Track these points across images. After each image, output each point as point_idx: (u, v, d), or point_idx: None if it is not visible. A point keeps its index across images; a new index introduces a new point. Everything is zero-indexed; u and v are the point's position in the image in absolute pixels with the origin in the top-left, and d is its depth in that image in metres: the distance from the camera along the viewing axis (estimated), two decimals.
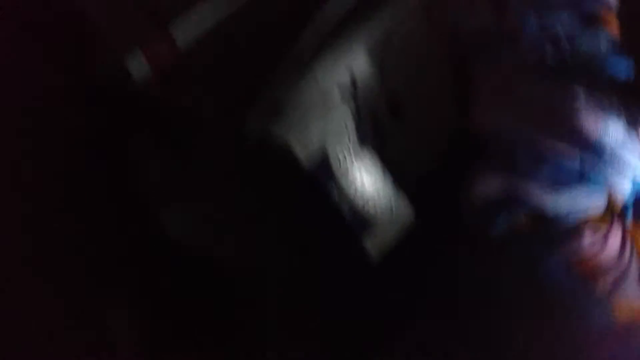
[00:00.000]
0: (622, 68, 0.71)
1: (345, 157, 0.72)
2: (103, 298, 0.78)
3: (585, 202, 0.69)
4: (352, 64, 0.70)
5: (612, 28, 0.74)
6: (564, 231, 0.69)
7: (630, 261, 0.68)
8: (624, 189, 0.68)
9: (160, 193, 0.77)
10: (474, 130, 0.74)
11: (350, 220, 0.72)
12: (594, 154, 0.67)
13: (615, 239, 0.69)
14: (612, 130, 0.67)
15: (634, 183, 0.69)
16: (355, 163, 0.73)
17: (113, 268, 0.80)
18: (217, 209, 0.75)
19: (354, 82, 0.71)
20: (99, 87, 0.74)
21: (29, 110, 0.74)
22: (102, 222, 0.80)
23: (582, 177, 0.68)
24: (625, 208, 0.69)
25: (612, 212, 0.69)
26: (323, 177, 0.70)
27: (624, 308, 0.68)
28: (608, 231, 0.69)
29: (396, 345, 0.73)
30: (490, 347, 0.70)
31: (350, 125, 0.71)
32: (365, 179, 0.73)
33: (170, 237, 0.78)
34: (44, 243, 0.75)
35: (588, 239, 0.68)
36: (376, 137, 0.74)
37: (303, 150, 0.68)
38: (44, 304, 0.74)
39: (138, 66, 0.68)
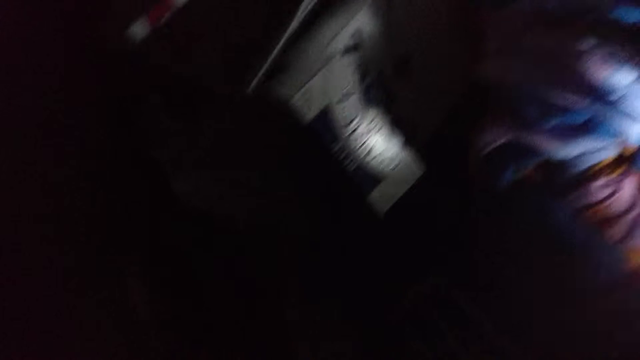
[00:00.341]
0: (631, 14, 0.69)
1: (350, 114, 0.71)
2: (123, 268, 0.79)
3: (595, 150, 0.68)
4: (355, 20, 0.70)
5: None
6: (574, 179, 0.68)
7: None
8: (634, 135, 0.67)
9: (172, 159, 0.78)
10: (483, 82, 0.73)
11: (356, 176, 0.72)
12: (604, 101, 0.66)
13: (627, 185, 0.68)
14: (621, 77, 0.66)
15: None
16: (360, 120, 0.72)
17: (133, 238, 0.81)
18: (225, 171, 0.76)
19: (357, 38, 0.71)
20: (107, 55, 0.75)
21: (41, 78, 0.75)
22: (123, 190, 0.81)
23: (591, 127, 0.67)
24: (636, 154, 0.68)
25: (624, 158, 0.68)
26: (328, 133, 0.70)
27: (636, 255, 0.67)
28: (620, 178, 0.68)
29: (408, 298, 0.73)
30: (500, 297, 0.70)
31: (355, 82, 0.71)
32: (370, 136, 0.73)
33: (186, 204, 0.79)
34: (65, 212, 0.77)
35: (598, 186, 0.67)
36: (382, 94, 0.73)
37: (306, 106, 0.68)
38: (63, 271, 0.75)
39: (142, 30, 0.68)
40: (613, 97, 0.66)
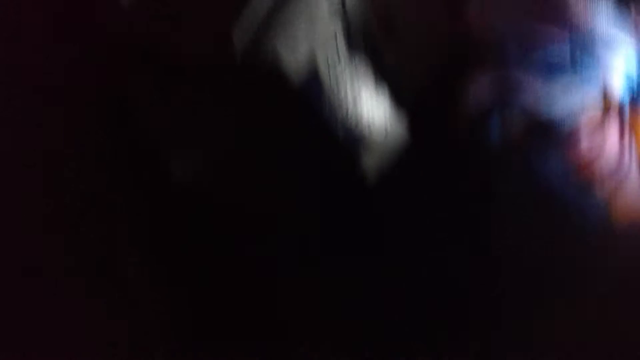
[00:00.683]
0: None
1: (336, 74, 0.71)
2: (123, 253, 0.79)
3: (579, 95, 0.67)
4: None
5: None
6: (561, 138, 0.67)
7: (630, 161, 0.66)
8: (617, 85, 0.66)
9: (161, 138, 0.78)
10: (468, 33, 0.72)
11: (344, 140, 0.72)
12: (584, 34, 0.66)
13: (614, 140, 0.67)
14: (602, 10, 0.65)
15: (628, 78, 0.67)
16: (346, 80, 0.72)
17: (131, 221, 0.81)
18: (216, 146, 0.76)
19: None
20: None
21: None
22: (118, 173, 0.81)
23: (574, 64, 0.66)
24: (621, 106, 0.67)
25: (609, 112, 0.67)
26: (314, 92, 0.70)
27: (624, 210, 0.67)
28: (606, 133, 0.67)
29: (396, 259, 0.73)
30: (490, 255, 0.70)
31: (340, 40, 0.70)
32: (357, 97, 0.72)
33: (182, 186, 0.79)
34: (63, 195, 0.77)
35: (585, 144, 0.67)
36: (368, 53, 0.73)
37: (292, 63, 0.68)
38: (63, 255, 0.76)
39: None
40: (592, 32, 0.65)
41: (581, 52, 0.66)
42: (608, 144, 0.67)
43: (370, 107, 0.73)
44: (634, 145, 0.68)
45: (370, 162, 0.73)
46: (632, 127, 0.68)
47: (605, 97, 0.68)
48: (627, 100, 0.68)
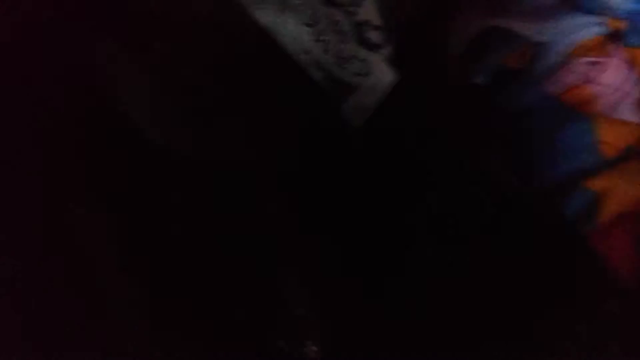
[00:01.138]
0: None
1: (315, 19, 0.68)
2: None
3: (577, 28, 0.62)
4: None
5: None
6: (550, 65, 0.62)
7: (630, 85, 0.61)
8: (621, 7, 0.61)
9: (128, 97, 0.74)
10: None
11: (327, 86, 0.68)
12: None
13: (613, 64, 0.62)
14: None
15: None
16: (326, 26, 0.68)
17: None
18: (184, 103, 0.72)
19: None
20: None
21: None
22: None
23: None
24: (626, 29, 0.62)
25: (611, 35, 0.62)
26: (292, 36, 0.67)
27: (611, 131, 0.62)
28: (605, 57, 0.62)
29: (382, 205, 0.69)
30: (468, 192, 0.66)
31: None
32: (339, 42, 0.69)
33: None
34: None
35: (576, 70, 0.61)
36: None
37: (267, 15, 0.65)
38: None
39: None
40: None
41: None
42: (607, 68, 0.62)
43: (353, 52, 0.69)
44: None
45: (355, 109, 0.69)
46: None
47: (607, 20, 0.62)
48: (633, 20, 0.62)
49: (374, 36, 0.70)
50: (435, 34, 0.70)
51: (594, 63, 0.61)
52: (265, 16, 0.65)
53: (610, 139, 0.60)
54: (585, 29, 0.62)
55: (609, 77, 0.61)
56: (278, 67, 0.67)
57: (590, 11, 0.62)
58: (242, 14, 0.65)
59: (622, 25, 0.62)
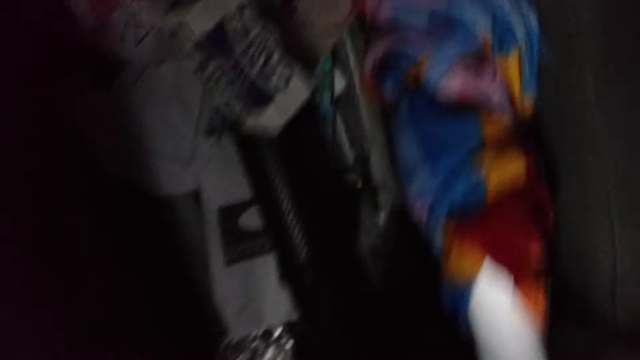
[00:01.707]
0: None
1: (239, 32, 0.76)
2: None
3: (454, 46, 0.75)
4: None
5: None
6: (437, 77, 0.75)
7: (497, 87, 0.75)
8: (488, 26, 0.74)
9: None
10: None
11: (246, 95, 0.77)
12: None
13: (487, 72, 0.75)
14: None
15: (496, 18, 0.74)
16: (250, 41, 0.77)
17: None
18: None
19: None
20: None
21: None
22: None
23: (449, 22, 0.74)
24: (493, 44, 0.75)
25: (484, 50, 0.75)
26: (219, 49, 0.76)
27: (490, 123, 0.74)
28: (481, 68, 0.75)
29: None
30: None
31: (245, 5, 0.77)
32: (260, 55, 0.77)
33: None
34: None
35: (459, 77, 0.75)
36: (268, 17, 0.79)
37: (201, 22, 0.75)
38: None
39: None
40: None
41: (455, 9, 0.75)
42: (482, 77, 0.75)
43: (272, 64, 0.77)
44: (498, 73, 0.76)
45: (271, 117, 0.78)
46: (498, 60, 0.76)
47: (480, 37, 0.75)
48: (496, 35, 0.75)
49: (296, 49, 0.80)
50: None
51: (470, 73, 0.75)
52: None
53: (490, 131, 0.73)
54: (463, 44, 0.75)
55: (483, 84, 0.74)
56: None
57: (465, 26, 0.75)
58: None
59: (489, 37, 0.75)
